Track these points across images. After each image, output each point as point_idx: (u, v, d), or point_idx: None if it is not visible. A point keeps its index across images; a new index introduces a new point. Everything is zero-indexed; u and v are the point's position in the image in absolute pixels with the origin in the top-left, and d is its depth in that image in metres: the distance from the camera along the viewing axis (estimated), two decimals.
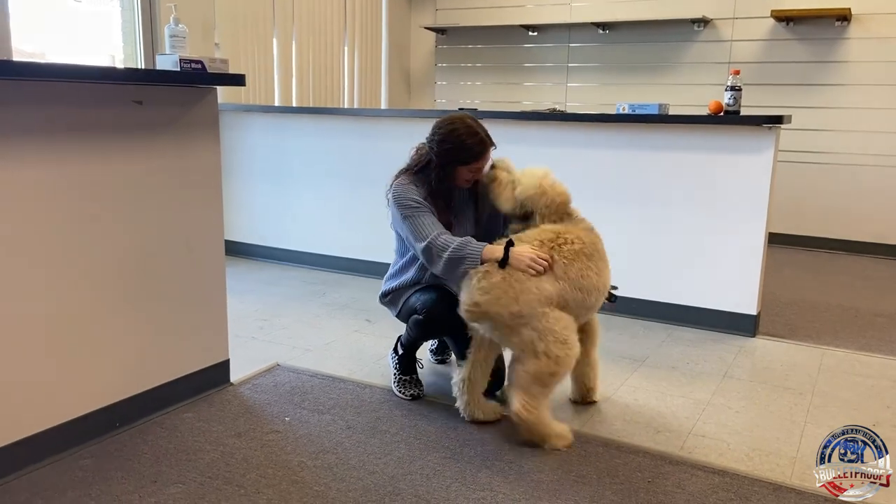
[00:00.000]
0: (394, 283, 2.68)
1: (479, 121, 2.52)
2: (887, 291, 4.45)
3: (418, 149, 2.59)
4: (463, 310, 2.31)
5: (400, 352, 2.74)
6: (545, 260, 2.27)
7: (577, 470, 2.16)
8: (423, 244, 2.40)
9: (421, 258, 2.48)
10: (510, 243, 2.31)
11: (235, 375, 2.79)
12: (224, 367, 2.74)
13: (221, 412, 2.50)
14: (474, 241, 2.37)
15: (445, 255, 2.34)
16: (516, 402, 2.27)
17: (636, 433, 2.43)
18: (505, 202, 2.50)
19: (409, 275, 2.64)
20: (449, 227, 2.50)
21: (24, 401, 2.09)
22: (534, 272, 2.24)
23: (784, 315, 3.85)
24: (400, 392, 2.67)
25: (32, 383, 2.10)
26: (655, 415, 2.58)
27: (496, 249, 2.30)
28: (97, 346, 2.27)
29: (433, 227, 2.41)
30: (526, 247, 2.30)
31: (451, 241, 2.36)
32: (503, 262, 2.27)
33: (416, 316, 2.56)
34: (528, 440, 2.31)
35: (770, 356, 3.23)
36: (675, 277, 3.65)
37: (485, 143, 2.47)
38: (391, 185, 2.55)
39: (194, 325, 2.60)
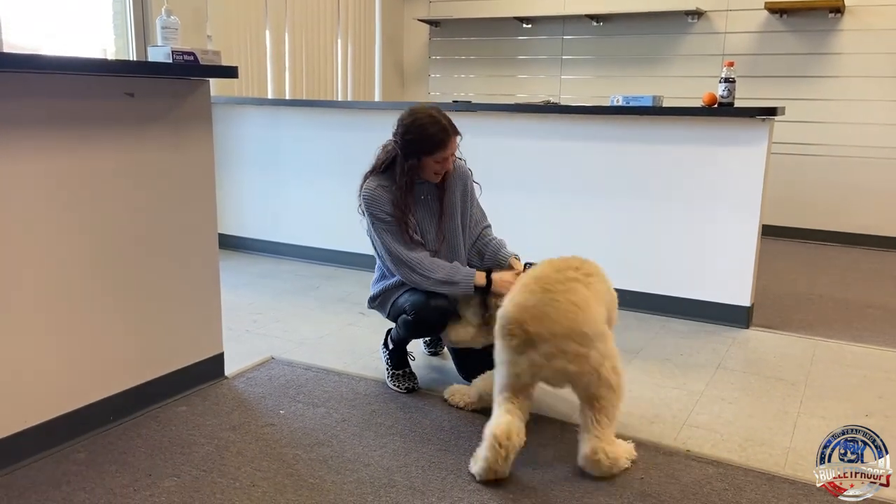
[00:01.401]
0: (381, 286, 2.68)
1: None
2: (879, 283, 4.47)
3: (385, 146, 2.58)
4: (507, 333, 2.06)
5: (390, 347, 2.74)
6: None
7: (572, 461, 2.16)
8: (406, 266, 2.49)
9: (397, 274, 2.55)
10: (490, 271, 2.50)
11: (229, 369, 2.79)
12: (218, 360, 2.74)
13: (216, 406, 2.50)
14: (460, 265, 2.52)
15: (435, 276, 2.47)
16: (604, 457, 2.04)
17: (630, 424, 2.43)
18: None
19: (396, 277, 2.62)
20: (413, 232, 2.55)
21: (17, 395, 2.08)
22: None
23: (777, 306, 3.87)
24: (394, 386, 2.67)
25: (25, 377, 2.09)
26: (649, 406, 2.59)
27: (481, 276, 2.48)
28: (89, 339, 2.26)
29: (414, 247, 2.51)
30: (508, 273, 2.44)
31: (440, 266, 2.48)
32: (486, 289, 2.47)
33: (404, 316, 2.56)
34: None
35: (763, 347, 3.25)
36: (668, 269, 3.65)
37: (447, 132, 2.44)
38: (361, 190, 2.56)
39: (188, 318, 2.59)
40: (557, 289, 2.10)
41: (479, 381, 2.49)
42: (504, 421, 2.04)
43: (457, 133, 2.49)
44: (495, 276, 2.48)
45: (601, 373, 2.03)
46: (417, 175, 2.50)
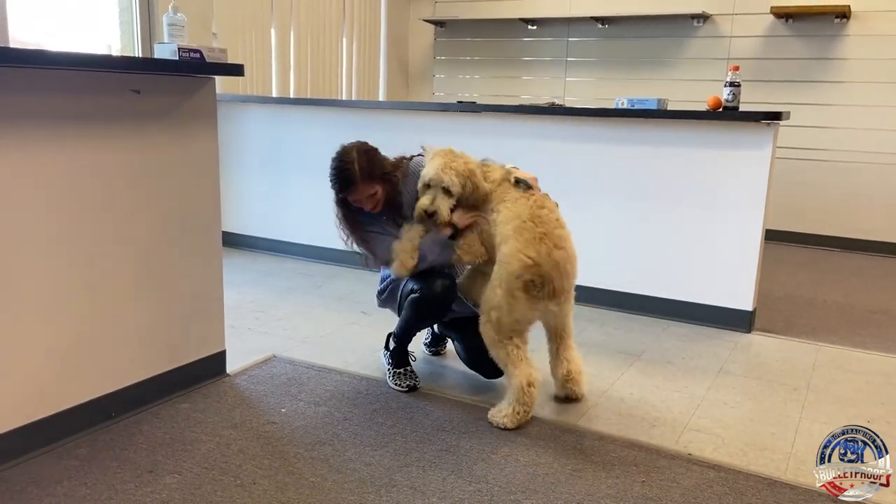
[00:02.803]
0: (388, 281, 2.75)
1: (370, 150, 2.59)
2: (882, 288, 4.46)
3: None
4: (530, 286, 2.29)
5: (392, 346, 2.74)
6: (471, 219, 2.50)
7: (572, 464, 2.17)
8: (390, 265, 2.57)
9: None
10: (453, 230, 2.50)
11: (231, 366, 2.79)
12: (220, 357, 2.74)
13: (217, 403, 2.50)
14: (427, 239, 2.51)
15: (428, 259, 2.51)
16: (577, 377, 2.59)
17: (632, 427, 2.43)
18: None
19: None
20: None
21: (19, 390, 2.08)
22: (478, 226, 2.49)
23: (780, 311, 3.86)
24: (396, 385, 2.67)
25: (28, 373, 2.10)
26: (651, 409, 2.59)
27: (445, 231, 2.50)
28: (92, 335, 2.26)
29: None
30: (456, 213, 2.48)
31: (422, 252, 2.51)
32: (455, 234, 2.50)
33: (413, 295, 2.58)
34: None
35: (765, 352, 3.24)
36: (671, 272, 3.65)
37: (339, 179, 2.51)
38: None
39: (191, 315, 2.59)
40: (561, 235, 2.35)
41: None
42: (533, 370, 2.38)
43: (369, 181, 2.49)
44: (455, 217, 2.47)
45: (573, 303, 2.50)
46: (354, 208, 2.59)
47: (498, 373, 2.69)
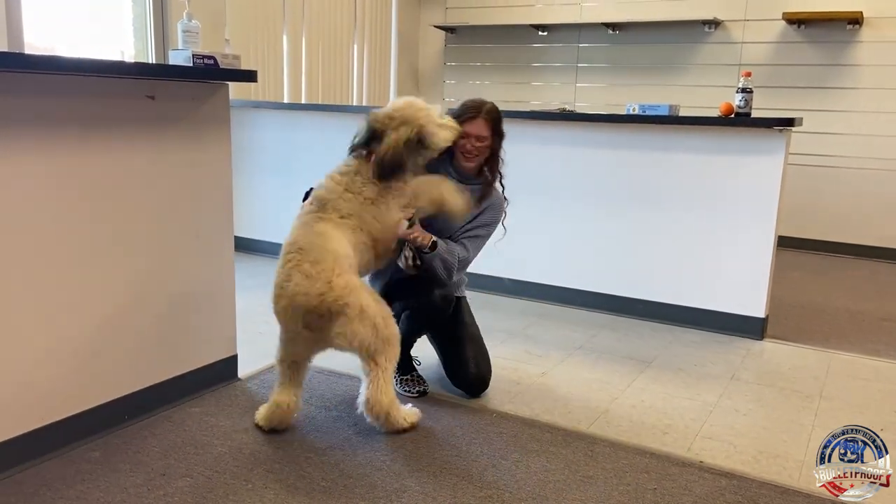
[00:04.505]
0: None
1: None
2: (895, 296, 4.44)
3: None
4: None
5: None
6: None
7: (583, 471, 2.16)
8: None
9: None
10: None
11: (243, 370, 2.80)
12: (232, 362, 2.75)
13: (229, 407, 2.51)
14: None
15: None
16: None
17: (643, 434, 2.42)
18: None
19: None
20: None
21: (32, 393, 2.10)
22: None
23: (792, 318, 3.84)
24: (405, 391, 2.67)
25: (41, 376, 2.11)
26: (662, 416, 2.58)
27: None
28: (104, 339, 2.28)
29: None
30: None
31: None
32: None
33: (413, 307, 2.59)
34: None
35: (777, 359, 3.22)
36: (682, 279, 3.64)
37: (471, 103, 2.58)
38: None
39: (203, 319, 2.61)
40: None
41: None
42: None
43: (492, 124, 2.54)
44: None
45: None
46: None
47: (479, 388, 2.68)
